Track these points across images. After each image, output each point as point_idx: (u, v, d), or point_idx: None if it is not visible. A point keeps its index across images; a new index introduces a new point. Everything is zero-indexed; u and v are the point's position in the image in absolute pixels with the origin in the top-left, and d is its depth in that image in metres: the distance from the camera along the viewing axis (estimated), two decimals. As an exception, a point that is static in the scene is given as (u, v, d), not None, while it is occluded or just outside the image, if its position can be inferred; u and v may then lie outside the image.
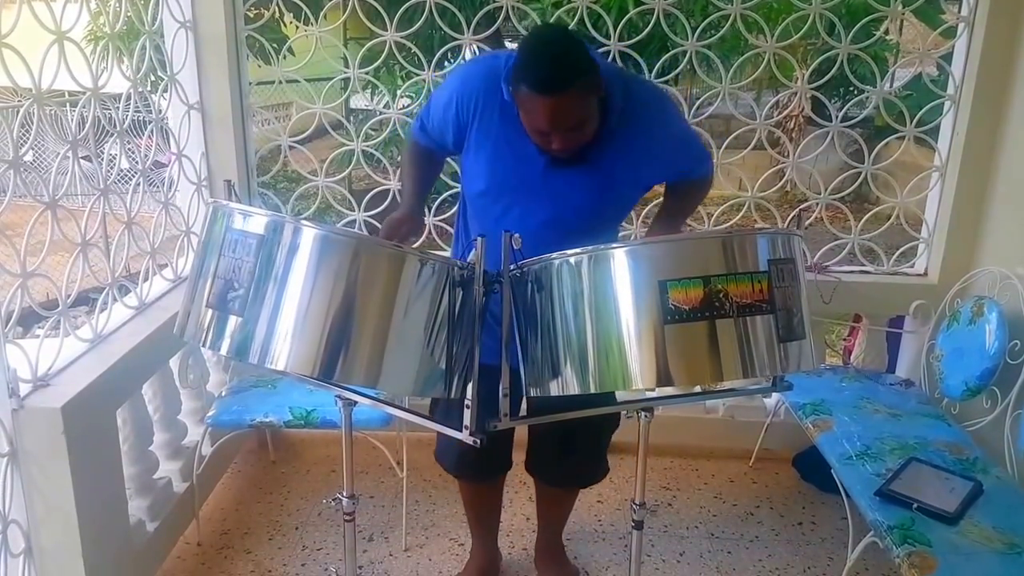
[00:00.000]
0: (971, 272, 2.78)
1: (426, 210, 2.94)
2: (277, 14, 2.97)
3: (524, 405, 1.84)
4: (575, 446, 2.16)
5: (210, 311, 1.45)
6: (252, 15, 2.92)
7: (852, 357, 3.29)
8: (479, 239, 1.50)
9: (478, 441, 1.55)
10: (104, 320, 2.22)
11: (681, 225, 2.12)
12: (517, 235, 1.53)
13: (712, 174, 2.12)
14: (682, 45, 2.82)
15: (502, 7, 2.77)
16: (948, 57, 2.87)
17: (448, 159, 2.30)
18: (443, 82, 2.01)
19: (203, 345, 1.51)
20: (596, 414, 1.80)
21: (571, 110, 1.68)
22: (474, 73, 1.90)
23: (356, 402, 1.77)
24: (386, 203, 2.99)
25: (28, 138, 1.89)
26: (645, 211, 2.99)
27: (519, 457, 2.29)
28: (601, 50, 2.77)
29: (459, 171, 2.06)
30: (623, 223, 2.19)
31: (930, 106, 2.85)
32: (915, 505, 2.03)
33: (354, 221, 3.00)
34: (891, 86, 2.89)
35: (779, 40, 2.80)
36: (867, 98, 2.92)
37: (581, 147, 1.78)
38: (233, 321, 1.42)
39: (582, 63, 1.67)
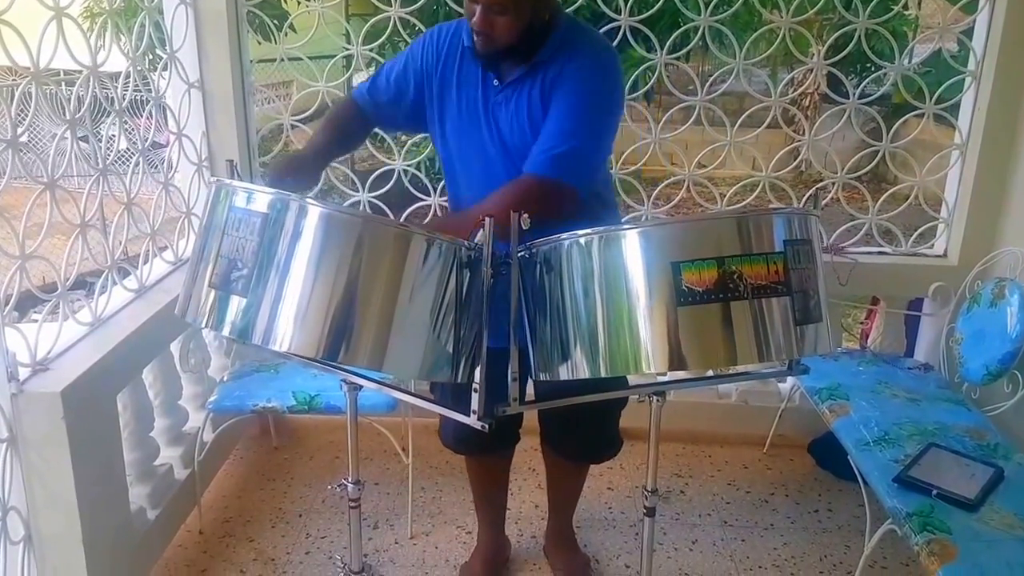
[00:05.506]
0: (992, 253, 2.73)
1: (433, 190, 2.90)
2: (279, -10, 2.92)
3: (531, 387, 1.79)
4: (579, 423, 2.13)
5: (213, 291, 1.43)
6: (253, -9, 2.86)
7: (869, 340, 3.24)
8: (487, 219, 1.46)
9: (486, 426, 1.51)
10: (103, 303, 2.19)
11: None
12: (526, 215, 1.49)
13: (548, 182, 1.75)
14: (694, 20, 2.75)
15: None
16: (969, 32, 2.79)
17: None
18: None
19: (205, 326, 1.49)
20: (606, 398, 1.76)
21: None
22: (440, 28, 1.97)
23: (361, 386, 1.74)
24: (391, 183, 2.94)
25: (25, 118, 1.85)
26: (656, 192, 2.94)
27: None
28: (611, 25, 2.70)
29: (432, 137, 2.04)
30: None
31: (950, 83, 2.78)
32: (935, 492, 1.98)
33: (358, 201, 2.95)
34: (910, 62, 2.82)
35: (794, 15, 2.72)
36: (885, 74, 2.85)
37: (497, 51, 1.78)
38: (236, 302, 1.40)
39: None
